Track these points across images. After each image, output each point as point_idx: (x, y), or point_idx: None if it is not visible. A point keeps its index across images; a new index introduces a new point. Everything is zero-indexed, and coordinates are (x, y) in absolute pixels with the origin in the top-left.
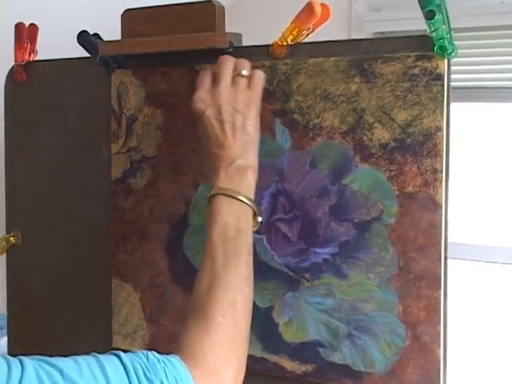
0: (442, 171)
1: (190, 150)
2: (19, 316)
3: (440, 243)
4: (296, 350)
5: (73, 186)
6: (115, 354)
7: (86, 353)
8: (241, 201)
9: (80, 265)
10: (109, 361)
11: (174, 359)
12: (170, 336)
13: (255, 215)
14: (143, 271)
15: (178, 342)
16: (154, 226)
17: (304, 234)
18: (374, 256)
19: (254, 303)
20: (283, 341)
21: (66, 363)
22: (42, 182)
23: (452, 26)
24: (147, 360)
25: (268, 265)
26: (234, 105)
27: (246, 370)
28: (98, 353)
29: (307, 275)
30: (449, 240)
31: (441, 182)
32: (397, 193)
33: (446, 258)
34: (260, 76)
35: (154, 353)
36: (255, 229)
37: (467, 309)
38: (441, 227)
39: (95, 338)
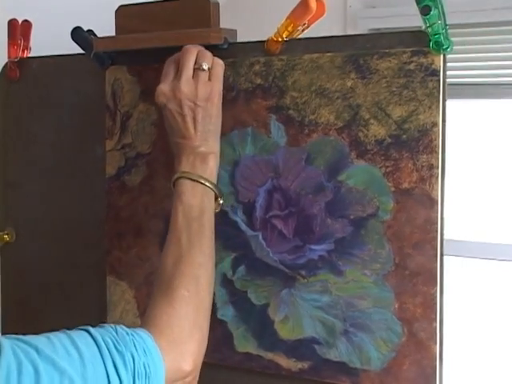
0: (437, 167)
1: None
2: (13, 314)
3: (436, 239)
4: (292, 347)
5: (67, 183)
6: (85, 330)
7: None
8: (203, 184)
9: (75, 262)
10: (80, 336)
11: (142, 332)
12: None
13: (217, 198)
14: (138, 268)
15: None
16: (149, 222)
17: (300, 230)
18: (370, 252)
19: (250, 300)
20: (279, 338)
21: (40, 340)
22: (36, 180)
23: (448, 22)
24: (116, 333)
25: (263, 262)
26: (194, 99)
27: (242, 367)
28: (68, 329)
29: (303, 272)
30: (446, 237)
31: (437, 178)
32: (393, 189)
33: (442, 254)
34: (219, 67)
35: (123, 326)
36: (217, 210)
37: (464, 306)
38: (437, 223)
39: None
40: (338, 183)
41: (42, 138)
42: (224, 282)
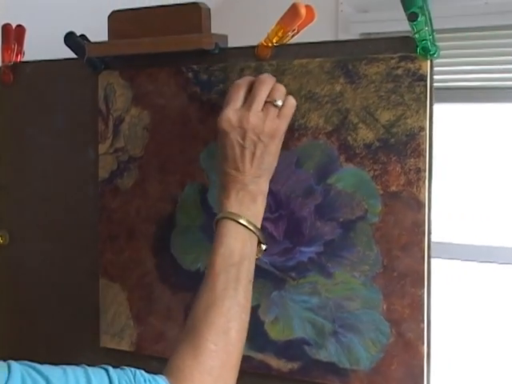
0: (425, 171)
1: (177, 150)
2: (7, 316)
3: (423, 242)
4: (282, 347)
5: (60, 186)
6: (104, 369)
7: (75, 354)
8: (248, 228)
9: (68, 265)
10: (96, 374)
11: (161, 380)
12: (157, 335)
13: (260, 243)
14: (130, 271)
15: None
16: (141, 226)
17: (289, 233)
18: (359, 254)
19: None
20: (269, 339)
21: (54, 372)
22: (30, 183)
23: (436, 26)
24: (134, 378)
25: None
26: (259, 133)
27: None
28: (88, 365)
29: (293, 274)
30: (436, 240)
31: (424, 181)
32: (381, 192)
33: (429, 256)
34: (291, 105)
35: (142, 372)
36: (258, 256)
37: (452, 307)
38: (424, 226)
39: (83, 337)
40: (328, 186)
41: (35, 142)
42: None
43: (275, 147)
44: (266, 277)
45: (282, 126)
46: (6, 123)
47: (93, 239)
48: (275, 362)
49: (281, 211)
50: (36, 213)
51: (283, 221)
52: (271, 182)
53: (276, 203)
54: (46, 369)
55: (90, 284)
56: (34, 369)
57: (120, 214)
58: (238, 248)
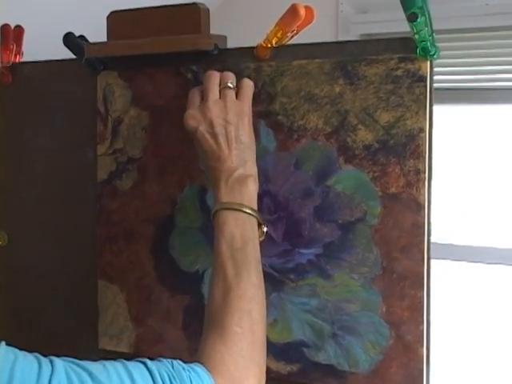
0: (424, 172)
1: (176, 151)
2: (5, 317)
3: (423, 243)
4: (281, 350)
5: (59, 187)
6: (141, 362)
7: (73, 356)
8: (244, 212)
9: (66, 266)
10: (135, 367)
11: (199, 368)
12: (155, 337)
13: (260, 225)
14: (129, 272)
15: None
16: (140, 227)
17: (288, 234)
18: (358, 256)
19: None
20: (268, 341)
21: (95, 366)
22: (29, 183)
23: (436, 27)
24: (173, 368)
25: None
26: (225, 116)
27: None
28: (106, 359)
29: (292, 276)
30: (434, 240)
31: (423, 182)
32: (380, 194)
33: (429, 258)
34: (247, 85)
35: (179, 361)
36: (261, 239)
37: (451, 309)
38: (424, 227)
39: (82, 338)
40: (327, 188)
41: (34, 143)
42: None
43: (246, 125)
44: (265, 279)
45: (245, 105)
46: (4, 124)
47: (91, 240)
48: (274, 365)
49: (280, 213)
50: (34, 214)
51: (282, 222)
52: (270, 183)
53: (275, 205)
54: (87, 363)
55: (88, 285)
56: (76, 364)
57: (119, 215)
58: (239, 232)
